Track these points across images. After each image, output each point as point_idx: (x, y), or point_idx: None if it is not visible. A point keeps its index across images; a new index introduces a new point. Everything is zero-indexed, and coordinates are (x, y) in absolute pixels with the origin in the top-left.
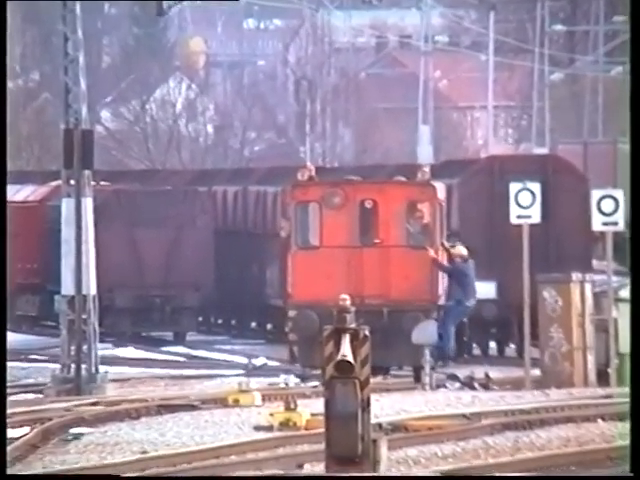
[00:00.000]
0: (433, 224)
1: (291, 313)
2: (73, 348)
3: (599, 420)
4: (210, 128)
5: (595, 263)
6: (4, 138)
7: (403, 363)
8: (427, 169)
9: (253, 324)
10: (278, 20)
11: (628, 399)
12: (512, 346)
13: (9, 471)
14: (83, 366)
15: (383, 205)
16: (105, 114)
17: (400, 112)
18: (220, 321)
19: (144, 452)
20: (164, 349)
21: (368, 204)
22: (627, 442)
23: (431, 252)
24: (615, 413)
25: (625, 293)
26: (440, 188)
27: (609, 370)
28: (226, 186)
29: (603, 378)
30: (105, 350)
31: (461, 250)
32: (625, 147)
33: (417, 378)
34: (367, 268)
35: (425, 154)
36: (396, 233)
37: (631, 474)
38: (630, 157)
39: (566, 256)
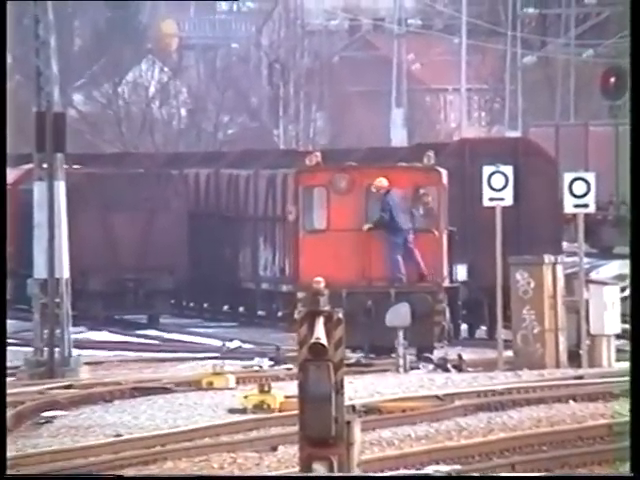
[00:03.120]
0: (438, 208)
1: (300, 295)
2: (46, 332)
3: (570, 401)
4: (183, 111)
5: (566, 245)
6: (4, 137)
7: (411, 343)
8: (432, 154)
9: (225, 307)
10: (251, 2)
11: (599, 380)
12: (483, 328)
13: None
14: (56, 349)
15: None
16: (77, 97)
17: (373, 95)
18: (193, 304)
19: (118, 435)
20: (138, 332)
21: (374, 189)
22: (599, 422)
23: (436, 235)
24: (586, 394)
25: (596, 274)
26: (444, 173)
27: (580, 351)
28: (199, 169)
29: (574, 359)
30: (78, 334)
31: (382, 181)
32: (596, 129)
33: (419, 358)
34: (374, 251)
35: (399, 137)
36: (402, 217)
37: (631, 474)
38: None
39: (537, 238)
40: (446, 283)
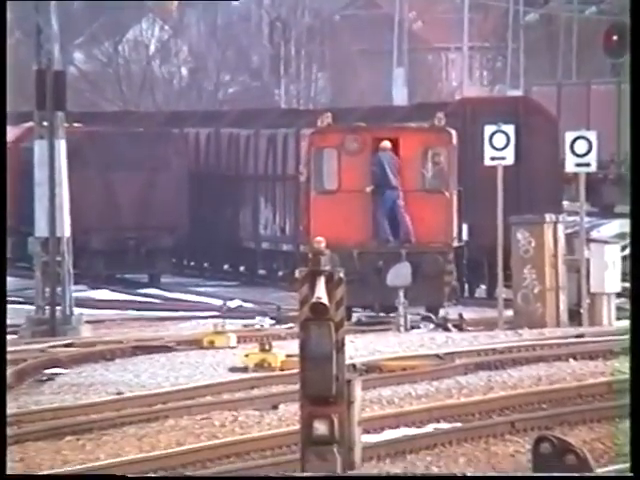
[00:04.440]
0: (448, 169)
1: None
2: (47, 290)
3: (570, 359)
4: (184, 70)
5: (567, 204)
6: (4, 130)
7: (422, 302)
8: (442, 115)
9: (226, 266)
10: None
11: (599, 338)
12: (483, 287)
13: None
14: (58, 308)
15: (400, 150)
16: (78, 55)
17: (375, 54)
18: (193, 263)
19: (119, 393)
20: (139, 291)
21: (380, 149)
22: (599, 380)
23: (447, 195)
24: (586, 352)
25: (597, 233)
26: (454, 134)
27: (581, 310)
28: (199, 128)
29: (575, 318)
30: (80, 292)
31: (385, 144)
32: (598, 88)
33: (431, 316)
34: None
35: (400, 96)
36: (412, 177)
37: (631, 474)
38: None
39: (537, 198)
40: (455, 243)
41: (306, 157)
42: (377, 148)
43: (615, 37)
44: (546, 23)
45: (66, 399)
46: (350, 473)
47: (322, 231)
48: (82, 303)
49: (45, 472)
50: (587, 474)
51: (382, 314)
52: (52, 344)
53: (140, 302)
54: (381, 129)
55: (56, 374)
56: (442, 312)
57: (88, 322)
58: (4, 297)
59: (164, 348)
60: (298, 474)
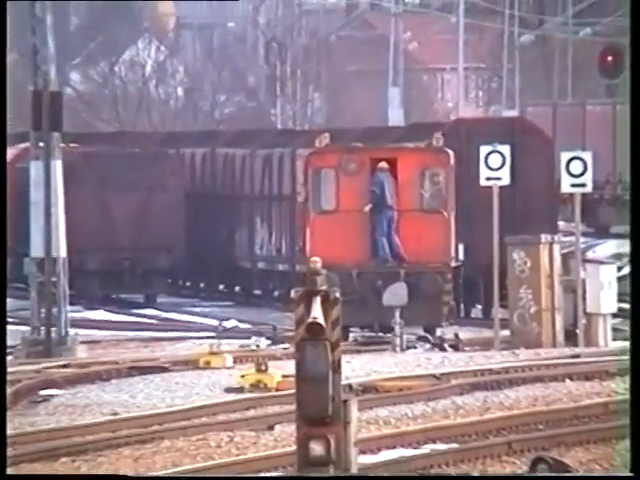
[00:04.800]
0: (446, 189)
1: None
2: (43, 310)
3: (567, 380)
4: (180, 91)
5: (563, 224)
6: (4, 133)
7: (421, 322)
8: (440, 135)
9: (222, 286)
10: None
11: (595, 359)
12: (479, 307)
13: None
14: (53, 328)
15: (398, 170)
16: (74, 76)
17: (371, 74)
18: (189, 283)
19: (114, 414)
20: (134, 311)
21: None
22: (594, 401)
23: (445, 216)
24: (582, 373)
25: (592, 254)
26: (452, 154)
27: (577, 330)
28: (195, 148)
29: (571, 338)
30: (75, 313)
31: (382, 165)
32: (593, 108)
33: (428, 335)
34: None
35: (396, 116)
36: (411, 198)
37: (631, 474)
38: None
39: (532, 218)
40: (453, 263)
41: (304, 177)
42: (375, 168)
43: (610, 58)
44: (541, 44)
45: (61, 420)
46: (350, 473)
47: (321, 251)
48: (78, 324)
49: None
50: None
51: (381, 334)
52: (47, 365)
53: (136, 322)
54: (379, 149)
55: (51, 395)
56: (438, 332)
57: (84, 343)
58: (4, 317)
59: (160, 369)
60: (298, 474)
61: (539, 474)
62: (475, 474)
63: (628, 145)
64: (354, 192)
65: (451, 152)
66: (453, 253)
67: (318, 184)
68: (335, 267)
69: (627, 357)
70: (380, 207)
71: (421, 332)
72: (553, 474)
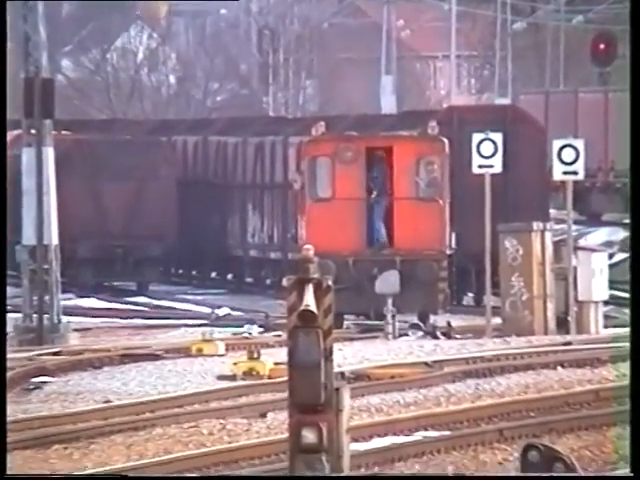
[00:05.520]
0: (442, 177)
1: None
2: (35, 298)
3: (558, 367)
4: (172, 78)
5: (555, 212)
6: (4, 132)
7: (416, 310)
8: (435, 124)
9: (214, 274)
10: None
11: (587, 346)
12: (470, 295)
13: None
14: (45, 316)
15: (394, 159)
16: (66, 63)
17: (363, 62)
18: (181, 271)
19: (107, 401)
20: (127, 299)
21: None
22: (586, 388)
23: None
24: (574, 360)
25: (584, 241)
26: (447, 143)
27: (568, 318)
28: (187, 136)
29: (562, 326)
30: (68, 300)
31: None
32: (585, 96)
33: (423, 323)
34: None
35: (388, 104)
36: (406, 186)
37: (631, 474)
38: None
39: (524, 205)
40: (448, 251)
41: (300, 165)
42: (371, 156)
43: (602, 46)
44: (533, 32)
45: (54, 408)
46: (349, 473)
47: (317, 239)
48: (70, 311)
49: (45, 473)
50: (587, 474)
51: (377, 321)
52: (40, 352)
53: (128, 310)
54: (375, 138)
55: (44, 382)
56: (431, 320)
57: (76, 330)
58: (4, 318)
59: (152, 356)
60: (297, 474)
61: (539, 474)
62: (466, 461)
63: (620, 133)
64: (350, 180)
65: (446, 140)
66: (448, 241)
67: (314, 172)
68: (331, 255)
69: (618, 344)
70: (381, 195)
71: (413, 320)
72: (553, 474)
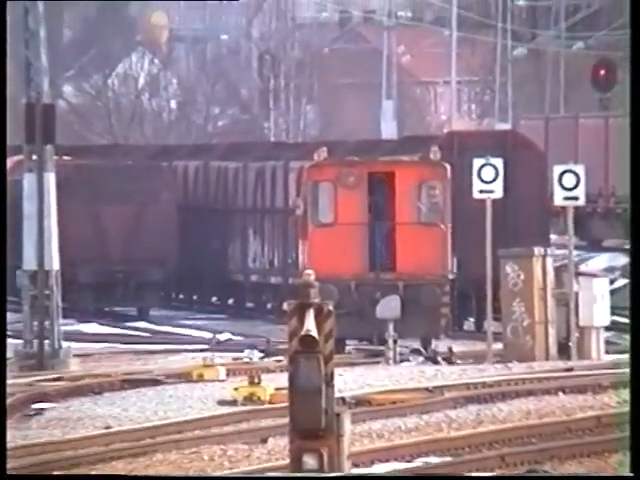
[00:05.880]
0: (443, 202)
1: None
2: (35, 323)
3: (560, 393)
4: (173, 103)
5: (556, 237)
6: (4, 136)
7: (418, 334)
8: (437, 149)
9: (215, 299)
10: None
11: (588, 372)
12: (471, 320)
13: None
14: (46, 341)
15: (396, 184)
16: (67, 89)
17: (364, 87)
18: (182, 296)
19: (107, 427)
20: (127, 324)
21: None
22: (587, 414)
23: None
24: (575, 386)
25: (585, 267)
26: (449, 168)
27: (570, 343)
28: (188, 161)
29: (564, 351)
30: (68, 326)
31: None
32: (586, 122)
33: (425, 348)
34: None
35: (389, 129)
36: (408, 210)
37: (631, 474)
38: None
39: (525, 231)
40: (450, 276)
41: (303, 191)
42: (373, 181)
43: (603, 71)
44: (534, 58)
45: (54, 433)
46: (347, 473)
47: (319, 263)
48: (70, 337)
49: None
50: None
51: (380, 347)
52: (40, 378)
53: (129, 335)
54: (377, 163)
55: (44, 408)
56: (432, 345)
57: (76, 356)
58: (4, 321)
59: (153, 382)
60: (296, 474)
61: (538, 474)
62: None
63: (621, 158)
64: (352, 205)
65: (448, 166)
66: (450, 266)
67: (317, 197)
68: (333, 280)
69: (620, 370)
70: (381, 219)
71: (414, 345)
72: (552, 474)
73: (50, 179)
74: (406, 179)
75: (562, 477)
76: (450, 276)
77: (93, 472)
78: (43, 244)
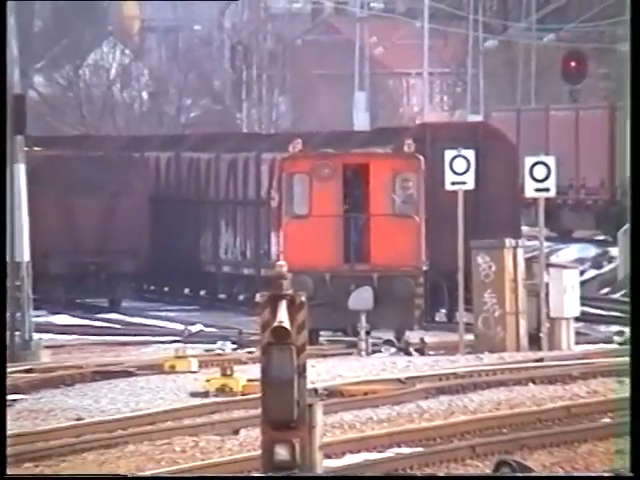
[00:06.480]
0: (418, 194)
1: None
2: (7, 315)
3: (530, 383)
4: (145, 94)
5: (526, 229)
6: (4, 135)
7: (393, 326)
8: (411, 141)
9: (187, 290)
10: None
11: (558, 363)
12: (443, 311)
13: None
14: (17, 333)
15: (370, 176)
16: (38, 79)
17: (336, 79)
18: (154, 287)
19: (79, 419)
20: (99, 316)
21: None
22: (557, 404)
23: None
24: (545, 377)
25: (556, 258)
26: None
27: (540, 334)
28: (160, 152)
29: (534, 342)
30: (39, 317)
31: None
32: (556, 113)
33: (399, 339)
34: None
35: (361, 120)
36: (383, 202)
37: (631, 474)
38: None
39: (496, 222)
40: (424, 267)
41: (278, 182)
42: (348, 173)
43: (573, 63)
44: (505, 50)
45: (25, 425)
46: (346, 473)
47: (294, 255)
48: (42, 328)
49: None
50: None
51: (354, 338)
52: (11, 370)
53: (100, 327)
54: (352, 155)
55: (15, 400)
56: (404, 336)
57: (48, 347)
58: (4, 318)
59: (124, 373)
60: (295, 474)
61: (539, 474)
62: (441, 474)
63: (590, 150)
64: (327, 197)
65: (422, 158)
66: (424, 257)
67: (291, 189)
68: (308, 271)
69: (589, 360)
70: (356, 211)
71: (386, 336)
72: (552, 474)
73: (20, 170)
74: (380, 171)
75: (563, 477)
76: (424, 267)
77: (64, 464)
78: (14, 235)
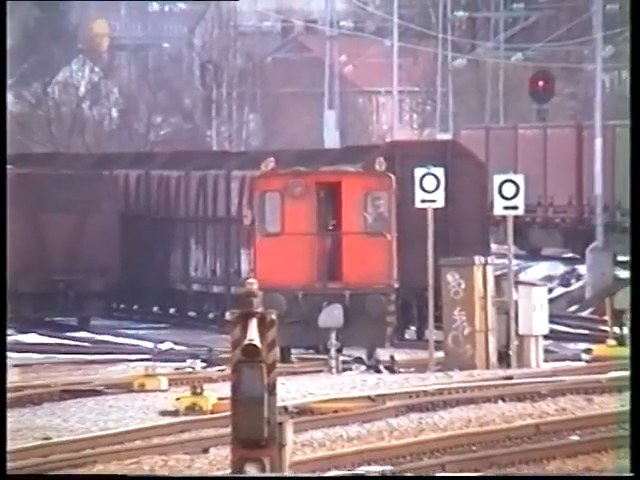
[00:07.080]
0: (389, 212)
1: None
2: None
3: (499, 401)
4: (115, 112)
5: (495, 247)
6: (4, 138)
7: (365, 343)
8: (382, 159)
9: (156, 308)
10: (183, 3)
11: (527, 380)
12: (412, 329)
13: None
14: None
15: (342, 194)
16: (7, 96)
17: (306, 97)
18: (123, 306)
19: (46, 438)
20: (68, 334)
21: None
22: (526, 422)
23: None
24: (514, 394)
25: (524, 276)
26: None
27: (509, 352)
28: (129, 170)
29: (504, 359)
30: (7, 336)
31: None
32: (525, 132)
33: (370, 357)
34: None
35: (331, 138)
36: (354, 220)
37: (631, 474)
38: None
39: (465, 240)
40: (396, 285)
41: (250, 200)
42: (321, 191)
43: (541, 83)
44: (474, 69)
45: None
46: (345, 472)
47: (267, 273)
48: (10, 347)
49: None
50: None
51: (326, 355)
52: None
53: (69, 345)
54: (324, 173)
55: None
56: (376, 354)
57: (16, 366)
58: (4, 319)
59: (93, 392)
60: (294, 474)
61: (539, 474)
62: None
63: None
64: (299, 215)
65: (393, 176)
66: (395, 275)
67: (264, 207)
68: (281, 289)
69: (558, 378)
70: (328, 229)
71: (356, 354)
72: (552, 475)
73: None
74: (352, 189)
75: (562, 477)
76: (396, 285)
77: None
78: None
